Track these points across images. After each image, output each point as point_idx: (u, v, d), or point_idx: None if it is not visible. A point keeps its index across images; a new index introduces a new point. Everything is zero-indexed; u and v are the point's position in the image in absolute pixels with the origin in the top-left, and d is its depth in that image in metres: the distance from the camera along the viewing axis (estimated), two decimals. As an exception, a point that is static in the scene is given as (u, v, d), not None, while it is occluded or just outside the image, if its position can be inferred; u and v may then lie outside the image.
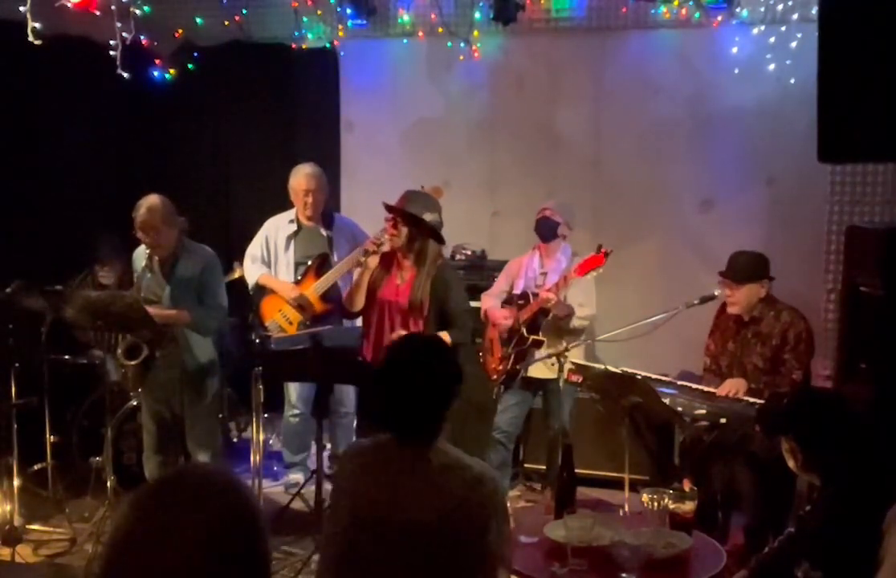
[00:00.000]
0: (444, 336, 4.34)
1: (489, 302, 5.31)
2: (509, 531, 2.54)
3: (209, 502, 1.35)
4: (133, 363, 4.59)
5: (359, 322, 4.95)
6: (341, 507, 2.50)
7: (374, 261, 4.60)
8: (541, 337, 4.99)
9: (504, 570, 2.47)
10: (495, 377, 5.20)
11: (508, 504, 5.00)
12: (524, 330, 5.01)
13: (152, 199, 4.54)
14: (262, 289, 5.36)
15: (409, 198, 4.58)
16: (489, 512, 2.39)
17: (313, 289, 5.20)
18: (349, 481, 2.52)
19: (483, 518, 2.37)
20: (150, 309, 4.49)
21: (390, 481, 2.43)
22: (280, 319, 5.21)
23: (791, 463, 2.95)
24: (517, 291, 5.18)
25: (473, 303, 5.54)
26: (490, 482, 2.44)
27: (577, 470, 3.54)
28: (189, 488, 1.38)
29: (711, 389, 4.51)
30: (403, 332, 4.40)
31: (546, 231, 5.12)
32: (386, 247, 4.64)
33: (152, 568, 1.28)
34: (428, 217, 4.51)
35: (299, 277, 5.32)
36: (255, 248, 5.47)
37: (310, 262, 5.32)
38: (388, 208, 4.58)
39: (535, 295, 4.98)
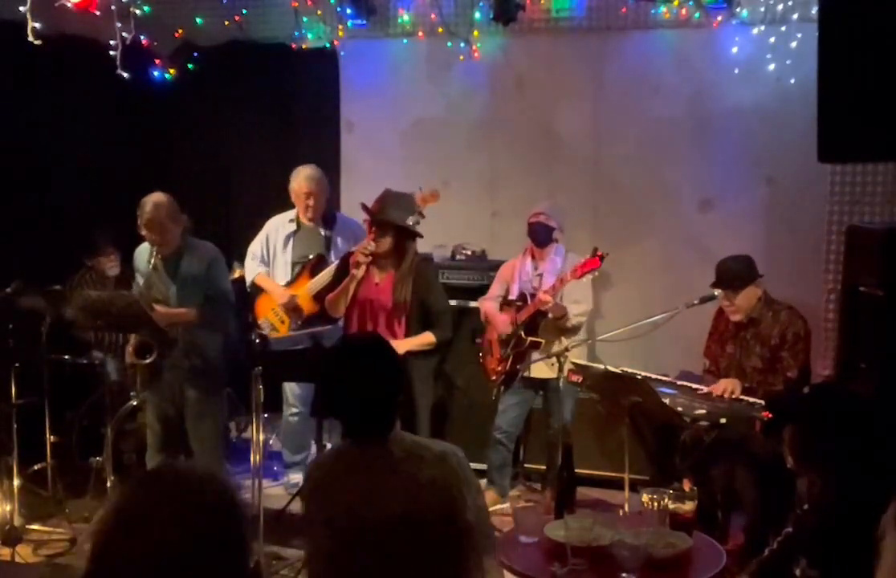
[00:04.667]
0: (429, 336, 4.47)
1: (486, 305, 5.33)
2: (484, 502, 2.59)
3: (189, 493, 1.49)
4: (145, 362, 4.58)
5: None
6: (317, 523, 2.50)
7: (363, 271, 4.58)
8: (539, 339, 5.01)
9: (489, 544, 2.51)
10: (495, 377, 5.23)
11: (508, 504, 5.06)
12: (522, 332, 5.03)
13: (158, 197, 4.55)
14: (257, 288, 5.41)
15: (387, 200, 4.55)
16: (459, 486, 2.42)
17: (307, 289, 5.22)
18: (321, 494, 2.52)
19: (454, 493, 2.41)
20: (159, 309, 4.49)
21: (359, 482, 2.44)
22: (273, 318, 5.26)
23: (790, 459, 2.93)
24: (513, 295, 5.20)
25: (471, 304, 5.56)
26: (452, 456, 2.48)
27: (577, 470, 3.54)
28: (172, 479, 1.54)
29: (710, 389, 4.51)
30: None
31: (542, 236, 5.17)
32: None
33: (133, 550, 1.42)
34: (410, 220, 4.54)
35: (294, 277, 5.34)
36: (255, 246, 5.50)
37: (308, 260, 5.32)
38: (368, 211, 4.56)
39: (533, 296, 5.00)
